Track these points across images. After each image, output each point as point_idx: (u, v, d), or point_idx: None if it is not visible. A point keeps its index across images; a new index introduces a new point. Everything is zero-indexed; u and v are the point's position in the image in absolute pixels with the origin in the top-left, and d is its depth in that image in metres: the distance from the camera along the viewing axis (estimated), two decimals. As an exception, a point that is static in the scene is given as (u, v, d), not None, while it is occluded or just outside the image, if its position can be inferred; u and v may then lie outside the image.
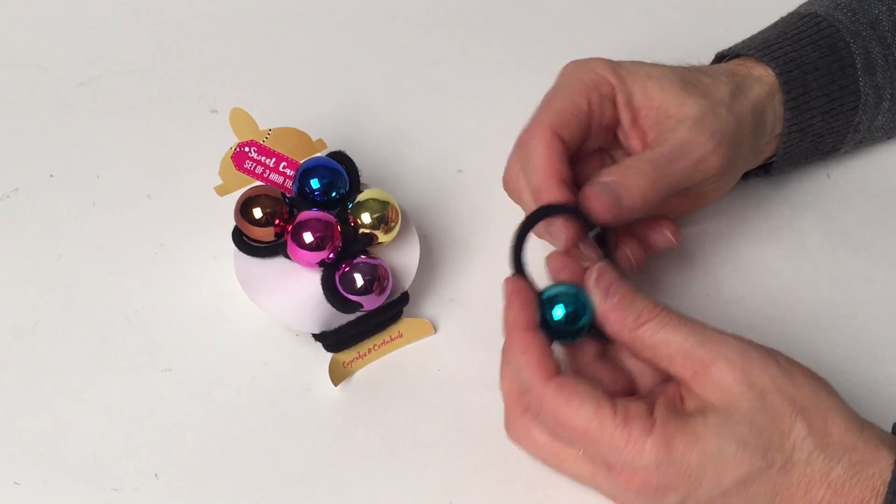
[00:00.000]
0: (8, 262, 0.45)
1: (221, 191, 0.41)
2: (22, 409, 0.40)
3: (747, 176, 0.45)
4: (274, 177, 0.42)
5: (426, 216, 0.47)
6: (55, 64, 0.52)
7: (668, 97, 0.39)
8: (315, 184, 0.41)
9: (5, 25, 0.54)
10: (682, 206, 0.42)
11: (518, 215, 0.47)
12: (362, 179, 0.43)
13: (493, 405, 0.40)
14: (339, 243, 0.40)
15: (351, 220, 0.41)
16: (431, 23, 0.55)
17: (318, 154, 0.43)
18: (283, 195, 0.41)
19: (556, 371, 0.34)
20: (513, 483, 0.38)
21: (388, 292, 0.41)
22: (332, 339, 0.41)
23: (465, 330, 0.43)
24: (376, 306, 0.41)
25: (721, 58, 0.45)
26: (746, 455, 0.31)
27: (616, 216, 0.37)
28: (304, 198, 0.42)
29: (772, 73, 0.42)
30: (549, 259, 0.39)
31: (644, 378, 0.36)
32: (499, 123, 0.50)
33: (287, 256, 0.41)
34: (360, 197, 0.42)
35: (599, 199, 0.37)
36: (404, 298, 0.42)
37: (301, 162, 0.42)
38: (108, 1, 0.55)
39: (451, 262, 0.45)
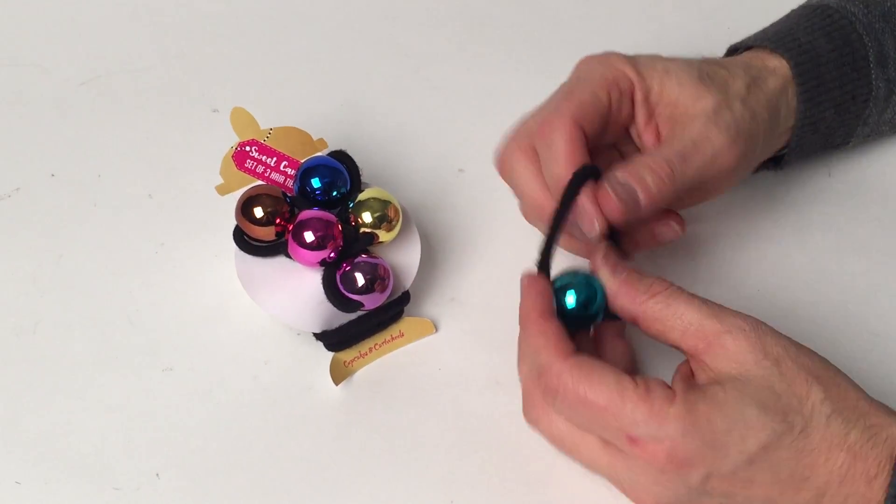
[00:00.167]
0: (9, 261, 0.45)
1: (222, 190, 0.41)
2: (23, 408, 0.40)
3: (756, 169, 0.45)
4: (275, 176, 0.42)
5: (427, 215, 0.47)
6: (56, 64, 0.52)
7: (684, 92, 0.39)
8: (316, 183, 0.41)
9: (6, 25, 0.54)
10: (691, 198, 0.42)
11: (517, 216, 0.47)
12: (363, 179, 0.43)
13: (494, 404, 0.40)
14: (340, 242, 0.40)
15: (352, 219, 0.41)
16: (432, 22, 0.55)
17: (319, 153, 0.43)
18: (284, 194, 0.41)
19: (573, 351, 0.34)
20: (514, 482, 0.38)
21: (388, 291, 0.41)
22: (333, 339, 0.41)
23: (466, 329, 0.43)
24: (377, 305, 0.41)
25: (734, 51, 0.45)
26: (768, 418, 0.31)
27: (633, 215, 0.37)
28: (305, 197, 0.42)
29: (786, 64, 0.42)
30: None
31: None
32: (500, 123, 0.50)
33: (288, 256, 0.41)
34: (361, 196, 0.42)
35: (616, 200, 0.37)
36: (405, 298, 0.42)
37: (302, 161, 0.42)
38: (108, 1, 0.56)
39: (452, 261, 0.45)
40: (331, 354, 0.41)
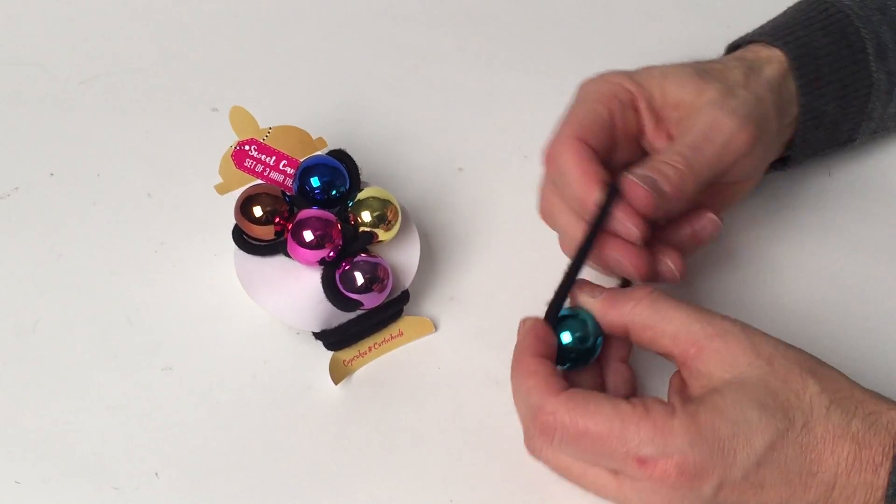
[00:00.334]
0: (8, 260, 0.45)
1: (222, 189, 0.41)
2: (22, 407, 0.40)
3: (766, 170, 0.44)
4: (274, 175, 0.42)
5: (426, 214, 0.47)
6: (56, 63, 0.52)
7: (686, 90, 0.39)
8: (315, 182, 0.41)
9: (6, 24, 0.54)
10: (719, 196, 0.41)
11: (516, 215, 0.47)
12: (362, 178, 0.43)
13: (493, 403, 0.40)
14: (339, 242, 0.40)
15: (351, 218, 0.41)
16: (432, 21, 0.55)
17: (319, 152, 0.43)
18: (284, 193, 0.41)
19: (565, 387, 0.33)
20: (513, 481, 0.38)
21: (388, 291, 0.41)
22: (333, 338, 0.41)
23: (465, 328, 0.43)
24: (376, 305, 0.41)
25: (733, 48, 0.45)
26: (770, 417, 0.31)
27: (658, 206, 0.37)
28: (305, 196, 0.42)
29: (782, 55, 0.42)
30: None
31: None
32: (499, 122, 0.51)
33: (287, 255, 0.41)
34: (361, 195, 0.42)
35: (639, 189, 0.36)
36: (405, 297, 0.42)
37: (301, 160, 0.42)
38: (108, 0, 0.55)
39: (452, 260, 0.45)
40: (330, 353, 0.41)
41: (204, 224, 0.45)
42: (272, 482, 0.39)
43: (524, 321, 0.36)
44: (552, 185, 0.40)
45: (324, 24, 0.55)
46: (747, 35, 0.44)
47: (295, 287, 0.41)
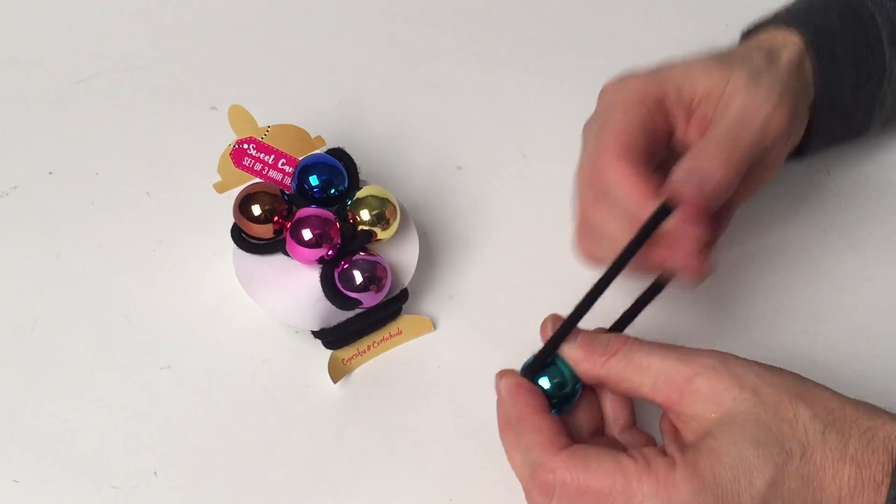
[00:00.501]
0: (7, 259, 0.45)
1: (220, 188, 0.41)
2: (21, 407, 0.40)
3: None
4: (273, 174, 0.42)
5: (425, 213, 0.47)
6: (54, 61, 0.52)
7: (713, 79, 0.39)
8: (314, 180, 0.41)
9: (4, 23, 0.54)
10: (739, 190, 0.40)
11: (514, 214, 0.47)
12: (361, 176, 0.43)
13: (492, 402, 0.40)
14: (337, 240, 0.40)
15: (350, 216, 0.41)
16: (431, 20, 0.55)
17: (317, 151, 0.43)
18: (282, 192, 0.41)
19: (567, 444, 0.33)
20: (513, 479, 0.38)
21: (387, 289, 0.41)
22: (332, 336, 0.41)
23: (464, 327, 0.43)
24: (375, 303, 0.41)
25: (747, 34, 0.44)
26: (766, 453, 0.31)
27: (707, 200, 0.36)
28: (303, 195, 0.42)
29: (798, 39, 0.41)
30: (546, 323, 0.37)
31: (634, 440, 0.36)
32: (498, 120, 0.50)
33: (286, 253, 0.41)
34: (359, 194, 0.42)
35: (687, 186, 0.35)
36: (403, 295, 0.42)
37: (300, 159, 0.42)
38: (107, -2, 0.55)
39: (451, 258, 0.45)
40: (329, 352, 0.41)
41: (203, 223, 0.45)
42: (271, 481, 0.39)
43: (501, 375, 0.35)
44: (598, 199, 0.38)
45: (323, 23, 0.55)
46: (762, 19, 0.44)
47: (294, 286, 0.41)
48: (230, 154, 0.41)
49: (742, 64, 0.39)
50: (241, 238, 0.41)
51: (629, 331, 0.36)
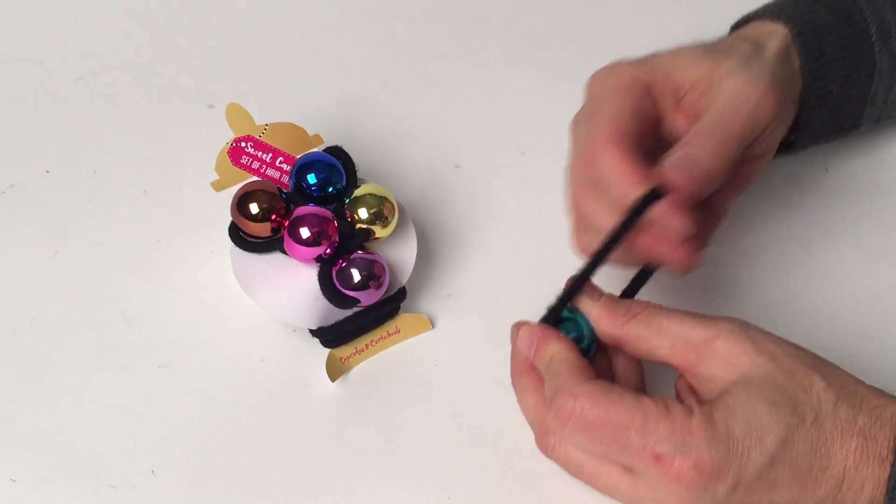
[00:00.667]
0: (4, 258, 0.45)
1: (218, 186, 0.41)
2: (18, 405, 0.40)
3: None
4: (270, 172, 0.42)
5: (423, 211, 0.46)
6: (51, 59, 0.52)
7: (701, 66, 0.39)
8: (312, 179, 0.41)
9: (2, 21, 0.54)
10: (730, 184, 0.40)
11: (513, 212, 0.47)
12: (359, 174, 0.43)
13: (491, 400, 0.40)
14: (335, 239, 0.40)
15: (348, 215, 0.41)
16: (429, 17, 0.55)
17: (315, 149, 0.43)
18: (280, 190, 0.41)
19: (592, 377, 0.33)
20: (511, 478, 0.38)
21: (385, 288, 0.41)
22: (330, 335, 0.41)
23: (462, 325, 0.43)
24: (373, 302, 0.41)
25: (736, 27, 0.44)
26: (779, 413, 0.31)
27: (696, 186, 0.36)
28: (301, 193, 0.41)
29: (785, 30, 0.41)
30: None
31: None
32: (496, 118, 0.50)
33: (284, 252, 0.41)
34: (357, 192, 0.41)
35: (676, 172, 0.35)
36: (402, 294, 0.42)
37: (298, 157, 0.42)
38: (104, -4, 0.55)
39: (449, 257, 0.45)
40: (327, 351, 0.41)
41: (200, 221, 0.45)
42: (269, 480, 0.39)
43: (520, 325, 0.36)
44: (590, 189, 0.38)
45: (320, 21, 0.55)
46: (749, 13, 0.44)
47: (291, 284, 0.41)
48: (228, 152, 0.41)
49: (730, 53, 0.39)
50: (239, 236, 0.41)
51: None
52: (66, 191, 0.47)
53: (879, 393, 0.33)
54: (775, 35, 0.41)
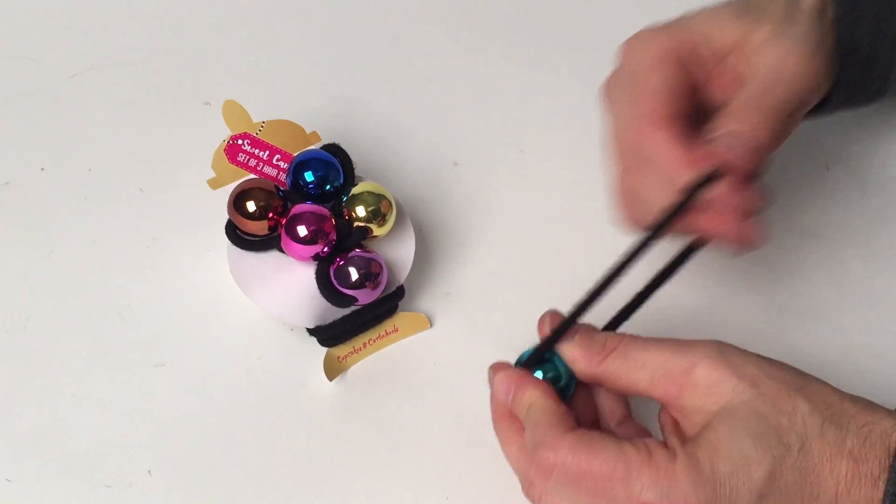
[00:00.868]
0: (-1, 256, 0.45)
1: (214, 184, 0.41)
2: (13, 405, 0.40)
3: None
4: (267, 170, 0.42)
5: (421, 209, 0.46)
6: (46, 56, 0.52)
7: (736, 30, 0.38)
8: (309, 177, 0.41)
9: (-5, 17, 0.54)
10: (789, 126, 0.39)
11: (512, 210, 0.47)
12: (357, 172, 0.43)
13: (489, 400, 0.40)
14: (333, 237, 0.40)
15: (345, 213, 0.41)
16: (427, 13, 0.55)
17: (312, 146, 0.43)
18: (277, 188, 0.41)
19: (573, 428, 0.33)
20: (509, 478, 0.38)
21: (383, 286, 0.41)
22: (327, 334, 0.41)
23: (461, 324, 0.43)
24: (371, 300, 0.41)
25: None
26: (764, 445, 0.31)
27: (751, 161, 0.35)
28: (298, 191, 0.41)
29: None
30: (544, 319, 0.37)
31: (631, 432, 0.36)
32: (495, 115, 0.50)
33: (281, 250, 0.41)
34: (355, 190, 0.41)
35: (733, 152, 0.35)
36: (400, 292, 0.42)
37: (295, 154, 0.42)
38: (99, -8, 0.55)
39: (447, 255, 0.45)
40: (324, 350, 0.41)
41: (197, 219, 0.45)
42: (266, 479, 0.39)
43: (496, 368, 0.35)
44: (640, 166, 0.37)
45: (317, 17, 0.54)
46: None
47: (289, 283, 0.41)
48: (224, 150, 0.41)
49: (764, 14, 0.38)
50: (236, 235, 0.41)
51: (632, 320, 0.36)
52: (61, 189, 0.47)
53: (868, 408, 0.32)
54: None
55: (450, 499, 0.38)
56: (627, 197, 0.39)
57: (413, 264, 0.42)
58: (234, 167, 0.41)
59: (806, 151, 0.46)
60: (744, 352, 0.33)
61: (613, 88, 0.39)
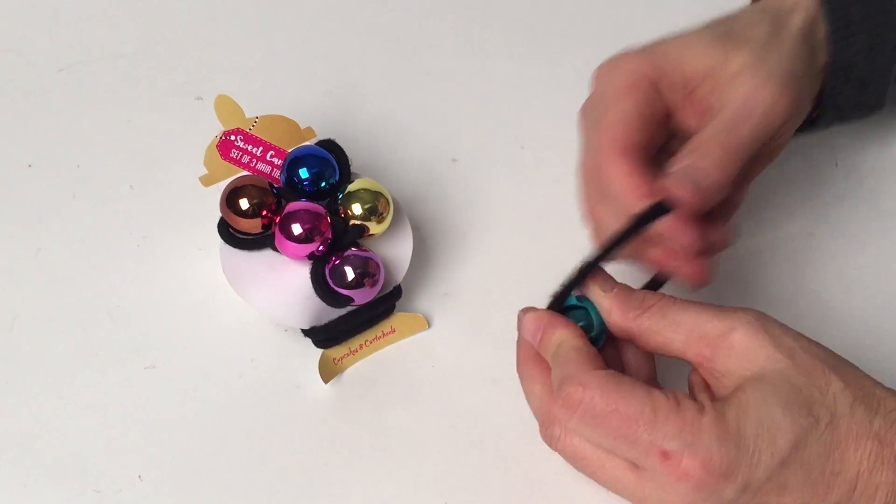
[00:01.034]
0: (-15, 255, 0.44)
1: (206, 181, 0.41)
2: (-1, 408, 0.40)
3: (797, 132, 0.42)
4: (261, 166, 0.41)
5: (419, 207, 0.46)
6: (33, 49, 0.51)
7: (709, 59, 0.38)
8: (304, 173, 0.41)
9: (-19, 10, 0.53)
10: (754, 167, 0.40)
11: (512, 208, 0.46)
12: (353, 169, 0.43)
13: (489, 402, 0.40)
14: (328, 235, 0.40)
15: (341, 211, 0.41)
16: (425, 6, 0.54)
17: (307, 142, 0.43)
18: (271, 185, 0.41)
19: (603, 366, 0.33)
20: (509, 482, 0.38)
21: (379, 286, 0.41)
22: (322, 335, 0.41)
23: (459, 324, 0.43)
24: (368, 300, 0.41)
25: None
26: (793, 414, 0.31)
27: (702, 200, 0.35)
28: (293, 188, 0.41)
29: (808, 1, 0.40)
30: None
31: None
32: (494, 111, 0.50)
33: (275, 249, 0.41)
34: (351, 187, 0.41)
35: (681, 187, 0.35)
36: (397, 292, 0.42)
37: (289, 151, 0.42)
38: (89, -16, 0.55)
39: (446, 254, 0.45)
40: (320, 351, 0.41)
41: (188, 217, 0.45)
42: (259, 484, 0.38)
43: (527, 310, 0.35)
44: (601, 197, 0.38)
45: (313, 10, 0.54)
46: None
47: (283, 282, 0.41)
48: (217, 146, 0.40)
49: (743, 41, 0.38)
50: (229, 233, 0.41)
51: None
52: (48, 186, 0.46)
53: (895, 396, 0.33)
54: (799, 8, 0.40)
55: (448, 503, 0.38)
56: (594, 225, 0.39)
57: (411, 263, 0.42)
58: (226, 164, 0.41)
59: (814, 147, 0.47)
60: (783, 325, 0.33)
61: (586, 114, 0.39)
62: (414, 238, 0.43)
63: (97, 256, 0.44)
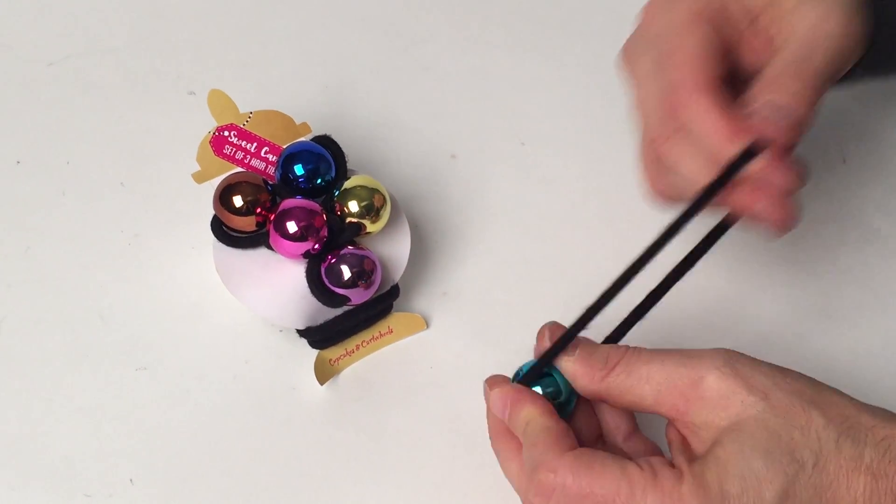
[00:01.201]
0: (-28, 254, 0.44)
1: (199, 178, 0.41)
2: (-13, 411, 0.40)
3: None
4: (255, 163, 0.41)
5: (417, 204, 0.46)
6: (22, 43, 0.51)
7: None
8: (299, 170, 0.41)
9: (-31, 3, 0.53)
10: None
11: (512, 206, 0.46)
12: (349, 165, 0.42)
13: (486, 416, 0.39)
14: (324, 233, 0.40)
15: (337, 208, 0.41)
16: (422, -1, 0.55)
17: (303, 138, 0.42)
18: (266, 182, 0.41)
19: (573, 447, 0.32)
20: (508, 485, 0.37)
21: (376, 285, 0.40)
22: (318, 336, 0.41)
23: (458, 325, 0.43)
24: (365, 300, 0.40)
25: None
26: (776, 463, 0.30)
27: (794, 135, 0.34)
28: (288, 185, 0.41)
29: None
30: (543, 332, 0.36)
31: (639, 448, 0.35)
32: (494, 106, 0.50)
33: (270, 247, 0.40)
34: (347, 184, 0.41)
35: (774, 126, 0.33)
36: (394, 292, 0.42)
37: (284, 147, 0.41)
38: (79, -24, 0.55)
39: (444, 253, 0.45)
40: (315, 352, 0.41)
41: (181, 215, 0.45)
42: (254, 488, 0.38)
43: (492, 383, 0.35)
44: (675, 133, 0.36)
45: (309, 2, 0.54)
46: None
47: (278, 282, 0.40)
48: (210, 142, 0.40)
49: None
50: (222, 231, 0.41)
51: (641, 324, 0.35)
52: (37, 183, 0.46)
53: (887, 419, 0.31)
54: None
55: (447, 508, 0.38)
56: (657, 168, 0.37)
57: (408, 262, 0.42)
58: (220, 160, 0.40)
59: (821, 143, 0.46)
60: (753, 360, 0.32)
61: (637, 54, 0.37)
62: (412, 236, 0.43)
63: (88, 255, 0.44)
